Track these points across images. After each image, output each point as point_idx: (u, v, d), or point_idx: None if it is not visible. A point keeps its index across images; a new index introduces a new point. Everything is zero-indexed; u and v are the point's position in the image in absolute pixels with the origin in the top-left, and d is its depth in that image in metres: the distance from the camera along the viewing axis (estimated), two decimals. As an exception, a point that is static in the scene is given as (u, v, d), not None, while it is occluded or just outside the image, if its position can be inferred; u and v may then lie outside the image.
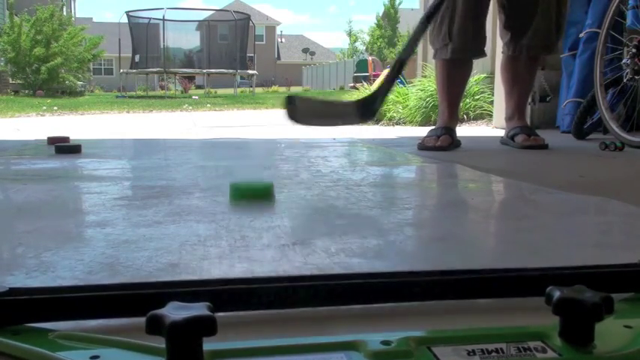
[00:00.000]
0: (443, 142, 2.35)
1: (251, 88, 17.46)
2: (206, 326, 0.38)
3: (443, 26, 2.34)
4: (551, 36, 2.33)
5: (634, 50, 2.37)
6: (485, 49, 2.42)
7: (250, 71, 16.78)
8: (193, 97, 13.44)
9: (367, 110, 1.57)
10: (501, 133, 2.64)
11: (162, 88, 21.92)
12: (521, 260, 0.79)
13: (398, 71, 1.73)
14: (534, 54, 2.37)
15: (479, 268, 0.59)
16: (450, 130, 2.41)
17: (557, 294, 0.42)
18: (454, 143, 2.39)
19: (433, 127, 2.49)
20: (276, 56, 45.81)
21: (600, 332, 0.43)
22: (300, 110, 1.62)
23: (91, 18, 40.11)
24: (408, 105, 4.58)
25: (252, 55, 18.01)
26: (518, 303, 0.57)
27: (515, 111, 2.47)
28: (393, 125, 4.58)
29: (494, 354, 0.42)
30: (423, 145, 2.36)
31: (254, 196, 1.21)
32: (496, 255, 0.81)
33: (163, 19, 15.74)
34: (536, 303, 0.49)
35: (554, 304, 0.42)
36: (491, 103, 4.04)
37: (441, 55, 2.40)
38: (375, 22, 42.54)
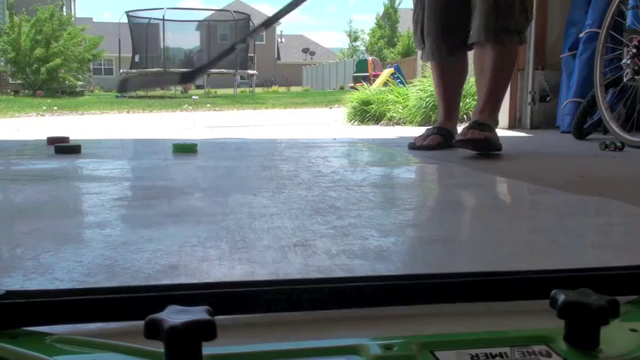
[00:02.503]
0: (430, 142, 2.33)
1: (251, 88, 17.47)
2: (205, 330, 0.38)
3: (417, 31, 2.33)
4: (489, 20, 2.07)
5: (634, 50, 2.37)
6: (460, 45, 2.27)
7: (250, 71, 16.79)
8: (193, 97, 13.43)
9: (187, 78, 2.05)
10: (501, 132, 2.63)
11: (162, 88, 21.89)
12: (524, 262, 0.78)
13: (229, 51, 2.10)
14: (470, 40, 2.16)
15: (482, 271, 0.59)
16: (441, 130, 2.38)
17: (562, 297, 0.42)
18: (447, 143, 2.34)
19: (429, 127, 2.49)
20: (276, 56, 45.81)
21: (606, 336, 0.42)
22: (130, 84, 2.61)
23: (91, 18, 40.10)
24: (408, 105, 4.57)
25: (252, 55, 18.00)
26: (522, 306, 0.56)
27: (478, 104, 2.20)
28: (393, 125, 4.57)
29: (498, 358, 0.41)
30: (413, 144, 2.37)
31: (186, 150, 2.17)
32: (499, 257, 0.80)
33: (163, 19, 15.74)
34: (540, 306, 0.49)
35: (559, 308, 0.42)
36: (492, 103, 4.03)
37: (423, 57, 2.43)
38: (375, 22, 42.56)
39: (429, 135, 2.37)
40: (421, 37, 2.32)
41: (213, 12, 18.00)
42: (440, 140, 2.35)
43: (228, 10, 18.44)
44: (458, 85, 2.48)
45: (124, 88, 2.17)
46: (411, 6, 2.44)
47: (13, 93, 14.11)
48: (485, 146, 2.03)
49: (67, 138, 2.49)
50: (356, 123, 4.94)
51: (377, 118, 4.83)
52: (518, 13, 2.08)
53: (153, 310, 0.40)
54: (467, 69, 2.46)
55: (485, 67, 2.17)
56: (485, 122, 2.11)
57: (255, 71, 17.25)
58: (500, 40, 2.10)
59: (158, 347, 0.40)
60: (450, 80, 2.43)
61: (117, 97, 13.81)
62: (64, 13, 18.43)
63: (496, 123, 2.19)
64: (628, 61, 2.40)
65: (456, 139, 2.07)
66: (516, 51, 2.24)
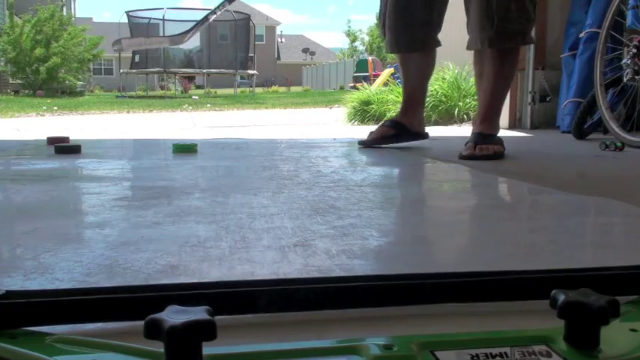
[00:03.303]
0: (375, 135, 2.32)
1: (251, 88, 17.48)
2: (205, 330, 0.38)
3: (380, 21, 2.30)
4: (484, 26, 1.97)
5: (634, 50, 2.37)
6: (421, 40, 2.22)
7: (250, 71, 16.80)
8: (193, 97, 13.43)
9: (177, 40, 2.61)
10: (501, 132, 2.62)
11: (162, 88, 21.92)
12: (524, 262, 0.78)
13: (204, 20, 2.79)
14: (469, 47, 2.09)
15: (482, 271, 0.59)
16: (395, 124, 2.33)
17: (562, 297, 0.42)
18: (400, 138, 2.31)
19: None
20: (276, 56, 45.80)
21: (606, 336, 0.42)
22: (125, 45, 2.96)
23: (91, 18, 40.08)
24: (407, 105, 4.57)
25: (252, 55, 18.00)
26: (522, 306, 0.56)
27: (479, 113, 2.15)
28: (393, 125, 4.57)
29: (498, 358, 0.41)
30: (363, 141, 2.36)
31: (186, 150, 2.19)
32: (499, 257, 0.80)
33: (163, 19, 15.74)
34: (540, 306, 0.49)
35: (559, 308, 0.42)
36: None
37: (385, 48, 2.39)
38: (375, 21, 42.56)
39: (379, 127, 2.36)
40: (383, 28, 2.27)
41: (213, 12, 17.97)
42: (387, 132, 2.32)
43: (228, 10, 18.45)
44: (419, 80, 2.36)
45: (120, 47, 2.99)
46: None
47: (13, 93, 14.12)
48: (494, 158, 1.97)
49: (67, 138, 2.49)
50: (356, 123, 4.94)
51: (377, 118, 4.83)
52: (516, 13, 1.96)
53: (153, 310, 0.40)
54: (432, 65, 2.36)
55: (485, 72, 2.09)
56: (490, 133, 2.06)
57: (255, 71, 17.26)
58: (501, 46, 2.01)
59: (158, 347, 0.40)
60: (411, 75, 2.34)
61: (117, 97, 13.81)
62: (64, 13, 18.44)
63: (498, 129, 2.15)
64: (628, 61, 2.40)
65: (463, 154, 1.97)
66: (517, 53, 2.16)
